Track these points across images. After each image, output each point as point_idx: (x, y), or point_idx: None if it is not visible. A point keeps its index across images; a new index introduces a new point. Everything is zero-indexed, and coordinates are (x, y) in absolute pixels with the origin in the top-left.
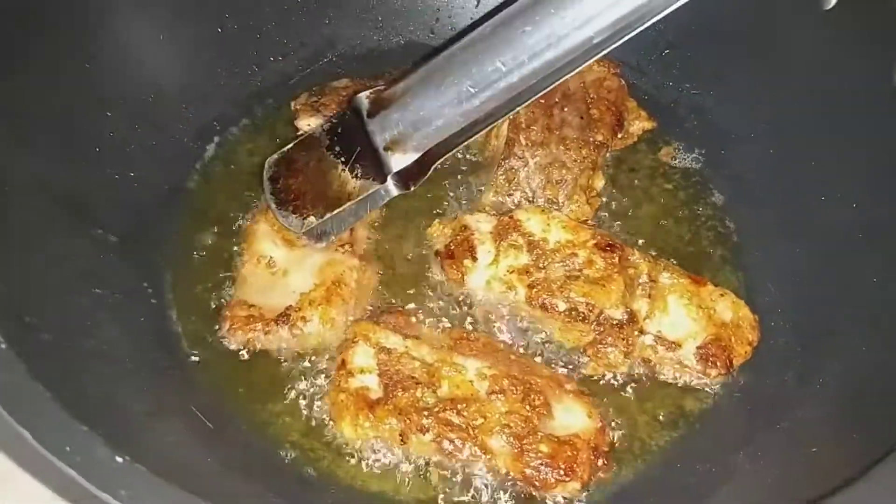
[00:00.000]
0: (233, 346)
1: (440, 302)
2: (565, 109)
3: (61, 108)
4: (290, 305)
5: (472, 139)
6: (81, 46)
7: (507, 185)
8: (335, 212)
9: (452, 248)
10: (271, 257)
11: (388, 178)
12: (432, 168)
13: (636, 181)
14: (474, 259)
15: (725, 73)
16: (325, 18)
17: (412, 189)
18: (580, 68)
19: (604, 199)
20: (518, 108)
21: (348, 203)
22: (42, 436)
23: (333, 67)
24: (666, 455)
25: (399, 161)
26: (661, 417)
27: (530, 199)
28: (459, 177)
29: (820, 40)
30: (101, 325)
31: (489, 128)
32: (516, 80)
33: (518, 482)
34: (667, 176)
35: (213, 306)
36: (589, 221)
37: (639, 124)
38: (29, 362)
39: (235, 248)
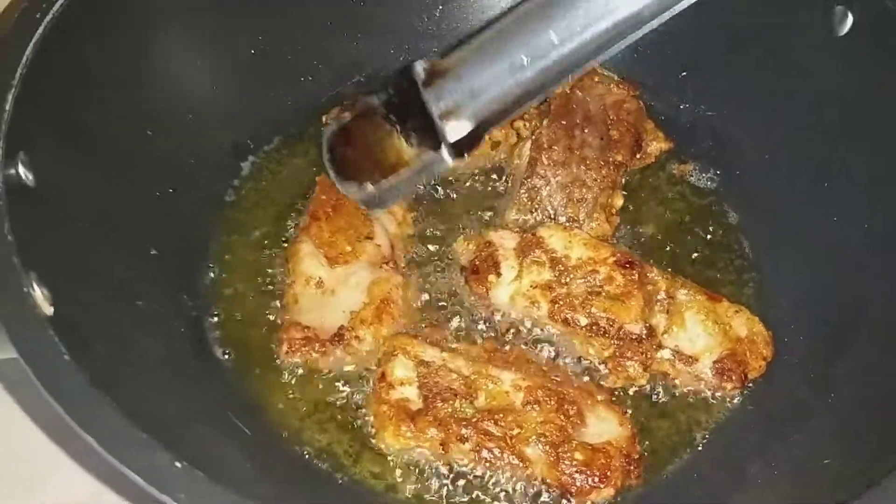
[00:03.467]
0: (292, 365)
1: (470, 316)
2: (586, 130)
3: (106, 128)
4: (343, 325)
5: (524, 108)
6: (126, 72)
7: (529, 203)
8: (392, 179)
9: (477, 263)
10: (320, 278)
11: (443, 146)
12: (484, 137)
13: (654, 200)
14: (498, 275)
15: (740, 96)
16: (353, 41)
17: (466, 157)
18: (630, 40)
19: (623, 217)
20: (569, 78)
21: (404, 170)
22: (106, 442)
23: (361, 87)
24: (682, 465)
25: (454, 130)
26: (678, 429)
27: (552, 216)
28: (483, 195)
29: (833, 65)
30: (144, 336)
31: (539, 99)
32: (568, 51)
33: (553, 490)
34: (683, 195)
35: (251, 317)
36: (609, 239)
37: (656, 145)
38: (89, 372)
39: (271, 262)
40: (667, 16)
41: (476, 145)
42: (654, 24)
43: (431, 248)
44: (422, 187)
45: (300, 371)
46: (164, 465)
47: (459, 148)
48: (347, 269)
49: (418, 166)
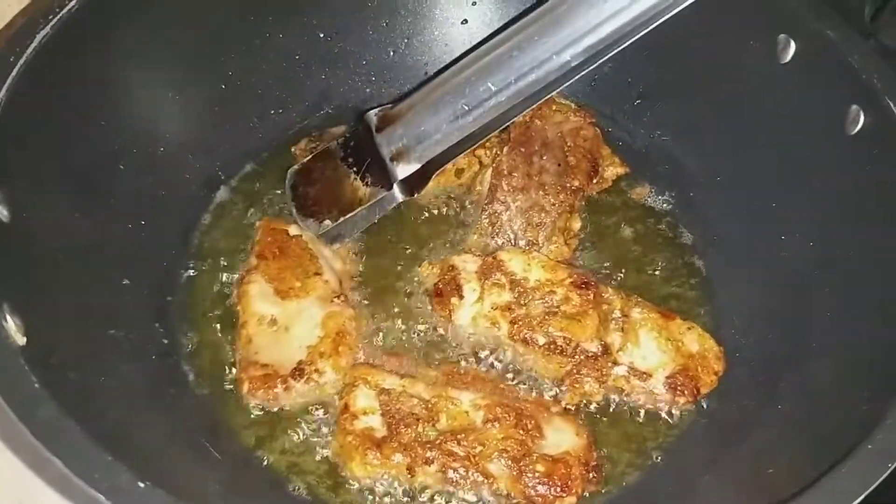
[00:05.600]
0: (253, 405)
1: (430, 339)
2: (544, 157)
3: (79, 163)
4: (302, 360)
5: (468, 150)
6: (99, 108)
7: (490, 227)
8: (348, 216)
9: (441, 286)
10: (272, 315)
11: (395, 185)
12: (432, 177)
13: (611, 223)
14: (461, 297)
15: (693, 121)
16: (322, 74)
17: (415, 195)
18: (561, 87)
19: (581, 240)
20: (507, 124)
21: (359, 208)
22: (73, 464)
23: (330, 119)
24: (638, 478)
25: (403, 170)
26: (633, 443)
27: (512, 240)
28: (447, 220)
29: (780, 91)
30: (117, 364)
31: (483, 141)
32: (504, 98)
33: (519, 502)
34: (639, 218)
35: (221, 345)
36: (568, 261)
37: (613, 170)
38: (59, 399)
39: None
40: (594, 66)
41: (424, 184)
42: (583, 72)
43: (392, 272)
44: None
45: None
46: (128, 485)
47: (409, 186)
48: (299, 305)
49: (372, 203)
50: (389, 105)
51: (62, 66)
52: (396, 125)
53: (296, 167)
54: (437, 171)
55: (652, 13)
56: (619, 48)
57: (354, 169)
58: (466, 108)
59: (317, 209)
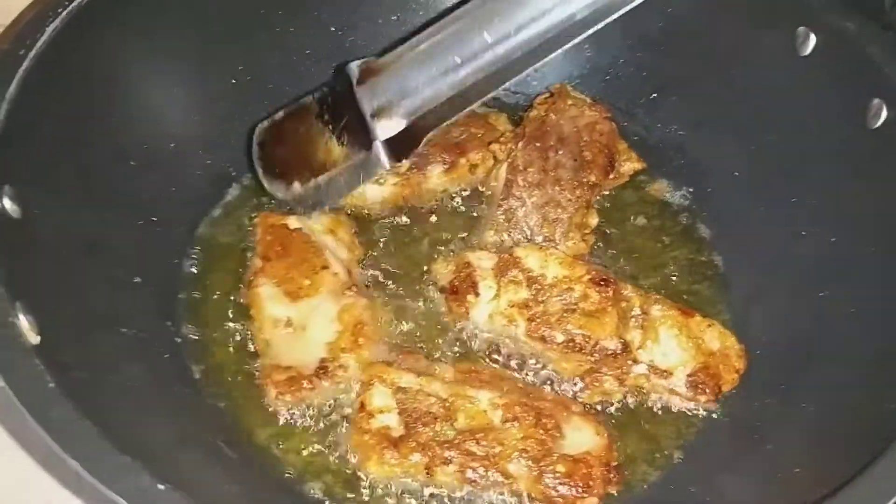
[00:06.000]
0: (282, 407)
1: (446, 337)
2: (560, 152)
3: (88, 159)
4: (324, 357)
5: (461, 113)
6: (109, 104)
7: (506, 224)
8: (321, 178)
9: (456, 284)
10: (287, 317)
11: (378, 146)
12: (423, 141)
13: (628, 218)
14: (477, 294)
15: (710, 115)
16: (332, 69)
17: (403, 161)
18: (564, 47)
19: (598, 236)
20: (504, 84)
21: (334, 169)
22: (90, 466)
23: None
24: (659, 478)
25: (385, 128)
26: (653, 442)
27: (529, 237)
28: (461, 216)
29: (799, 85)
30: (128, 363)
31: (478, 103)
32: (501, 52)
33: (539, 503)
34: (657, 213)
35: (233, 343)
36: (584, 257)
37: (629, 165)
38: (74, 399)
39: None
40: (601, 24)
41: (413, 147)
42: (590, 31)
43: (408, 269)
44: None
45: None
46: (147, 486)
47: (397, 150)
48: (311, 303)
49: (348, 165)
50: (373, 56)
51: (71, 62)
52: (380, 78)
53: (264, 124)
54: (423, 138)
55: None
56: (628, 6)
57: (331, 127)
58: (459, 61)
59: (286, 171)
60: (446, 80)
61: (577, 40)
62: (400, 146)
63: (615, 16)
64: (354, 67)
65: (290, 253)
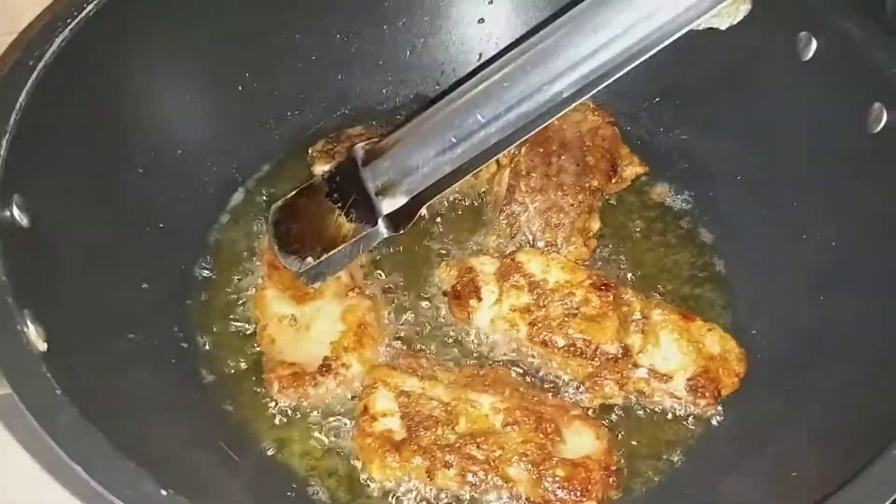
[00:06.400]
0: (284, 403)
1: (448, 341)
2: (562, 157)
3: (96, 167)
4: (327, 356)
5: (454, 186)
6: (116, 112)
7: (508, 229)
8: (331, 253)
9: (459, 288)
10: (292, 315)
11: (380, 221)
12: (419, 212)
13: (630, 223)
14: (479, 299)
15: (712, 120)
16: (339, 75)
17: (401, 232)
18: (552, 119)
19: (600, 241)
20: (498, 155)
21: (342, 245)
22: (94, 471)
23: (347, 119)
24: (660, 481)
25: (389, 205)
26: (654, 446)
27: (531, 242)
28: (464, 221)
29: (801, 89)
30: (136, 369)
31: (471, 174)
32: (494, 130)
33: None
34: (659, 217)
35: (240, 348)
36: (586, 262)
37: (632, 169)
38: (80, 406)
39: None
40: (586, 97)
41: (411, 219)
42: (576, 103)
43: (410, 274)
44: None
45: (294, 403)
46: (150, 492)
47: (396, 221)
48: (316, 304)
49: (356, 240)
50: (377, 139)
51: (79, 72)
52: (383, 159)
53: (279, 203)
54: (421, 208)
55: (644, 44)
56: (612, 78)
57: (339, 205)
58: (454, 140)
59: (299, 246)
60: (443, 158)
61: (564, 111)
62: (400, 219)
63: (601, 86)
64: (360, 150)
65: None
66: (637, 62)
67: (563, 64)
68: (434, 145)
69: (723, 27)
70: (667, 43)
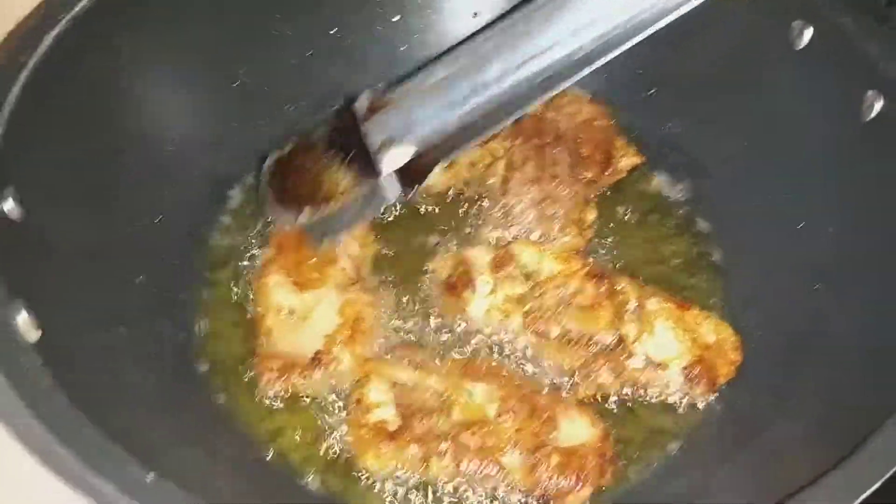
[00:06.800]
0: (269, 396)
1: (443, 331)
2: (557, 149)
3: (89, 162)
4: (319, 349)
5: (465, 148)
6: (109, 107)
7: (503, 220)
8: (325, 211)
9: (453, 280)
10: (291, 306)
11: (383, 180)
12: (428, 175)
13: (625, 214)
14: (473, 290)
15: (708, 110)
16: (333, 70)
17: (410, 196)
18: (568, 82)
19: (595, 231)
20: (512, 119)
21: (337, 204)
22: (84, 455)
23: (342, 113)
24: (655, 470)
25: (390, 161)
26: (649, 435)
27: (526, 233)
28: (459, 213)
29: (795, 78)
30: (128, 361)
31: (483, 137)
32: (507, 86)
33: (533, 495)
34: (654, 208)
35: (234, 341)
36: (582, 252)
37: (627, 160)
38: (71, 395)
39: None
40: (607, 58)
41: (419, 181)
42: (593, 66)
43: (406, 265)
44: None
45: (284, 394)
46: (142, 478)
47: (402, 183)
48: (317, 295)
49: (354, 199)
50: (381, 88)
51: (72, 66)
52: (386, 112)
53: (273, 157)
54: (432, 170)
55: (669, 4)
56: (632, 41)
57: (338, 160)
58: (464, 95)
59: (293, 202)
60: (452, 113)
61: (579, 76)
62: (407, 181)
63: (619, 50)
64: (361, 102)
65: (304, 246)
66: (660, 24)
67: (582, 19)
68: (441, 100)
69: None
70: (690, 7)
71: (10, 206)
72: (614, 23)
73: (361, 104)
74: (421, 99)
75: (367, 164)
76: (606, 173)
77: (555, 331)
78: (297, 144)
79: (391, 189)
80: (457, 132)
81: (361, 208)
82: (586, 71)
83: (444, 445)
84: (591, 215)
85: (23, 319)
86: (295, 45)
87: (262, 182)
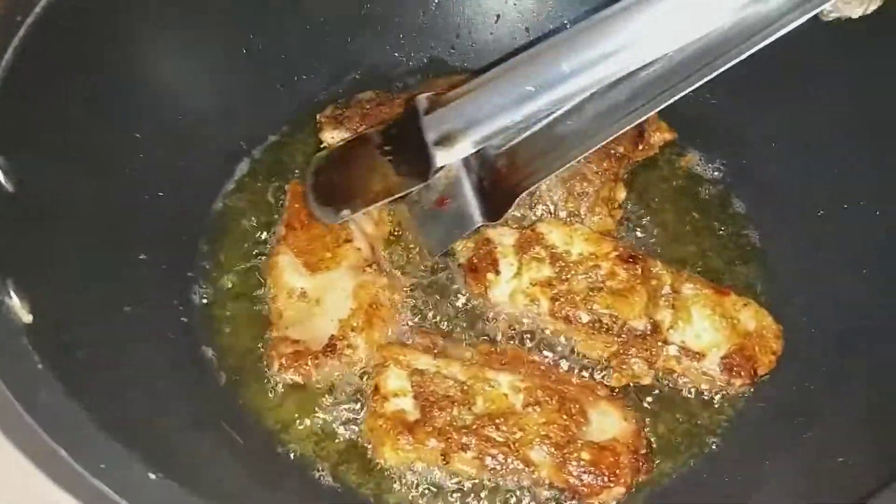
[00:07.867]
0: (283, 381)
1: (465, 317)
2: None
3: (90, 130)
4: (333, 335)
5: (562, 170)
6: (112, 73)
7: (529, 198)
8: (371, 206)
9: (476, 261)
10: (302, 288)
11: (476, 210)
12: (518, 198)
13: (658, 192)
14: (497, 272)
15: (745, 84)
16: (349, 38)
17: (498, 221)
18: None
19: (626, 211)
20: (616, 134)
21: (384, 199)
22: (78, 454)
23: (358, 84)
24: (691, 466)
25: (445, 157)
26: (686, 428)
27: (552, 211)
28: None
29: (837, 54)
30: (132, 343)
31: (579, 159)
32: (575, 87)
33: (563, 492)
34: (688, 186)
35: (243, 323)
36: (612, 233)
37: (659, 136)
38: (65, 382)
39: (263, 267)
40: (697, 75)
41: (507, 206)
42: (685, 83)
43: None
44: None
45: (296, 382)
46: (139, 477)
47: (491, 207)
48: (330, 276)
49: (400, 194)
50: (445, 89)
51: (73, 28)
52: (448, 107)
53: (323, 152)
54: (525, 192)
55: (770, 23)
56: (730, 62)
57: (390, 158)
58: (533, 90)
59: (337, 197)
60: (518, 110)
61: (668, 102)
62: (495, 206)
63: (712, 72)
64: (423, 100)
65: (316, 223)
66: (755, 48)
67: (672, 24)
68: (509, 96)
69: (854, 15)
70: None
71: (1, 177)
72: (716, 23)
73: (421, 101)
74: (486, 95)
75: (420, 161)
76: (638, 149)
77: (584, 317)
78: (350, 140)
79: (480, 215)
80: (543, 154)
81: (451, 232)
82: (677, 96)
83: (467, 439)
84: (622, 194)
85: (13, 300)
86: (309, 11)
87: (307, 177)
